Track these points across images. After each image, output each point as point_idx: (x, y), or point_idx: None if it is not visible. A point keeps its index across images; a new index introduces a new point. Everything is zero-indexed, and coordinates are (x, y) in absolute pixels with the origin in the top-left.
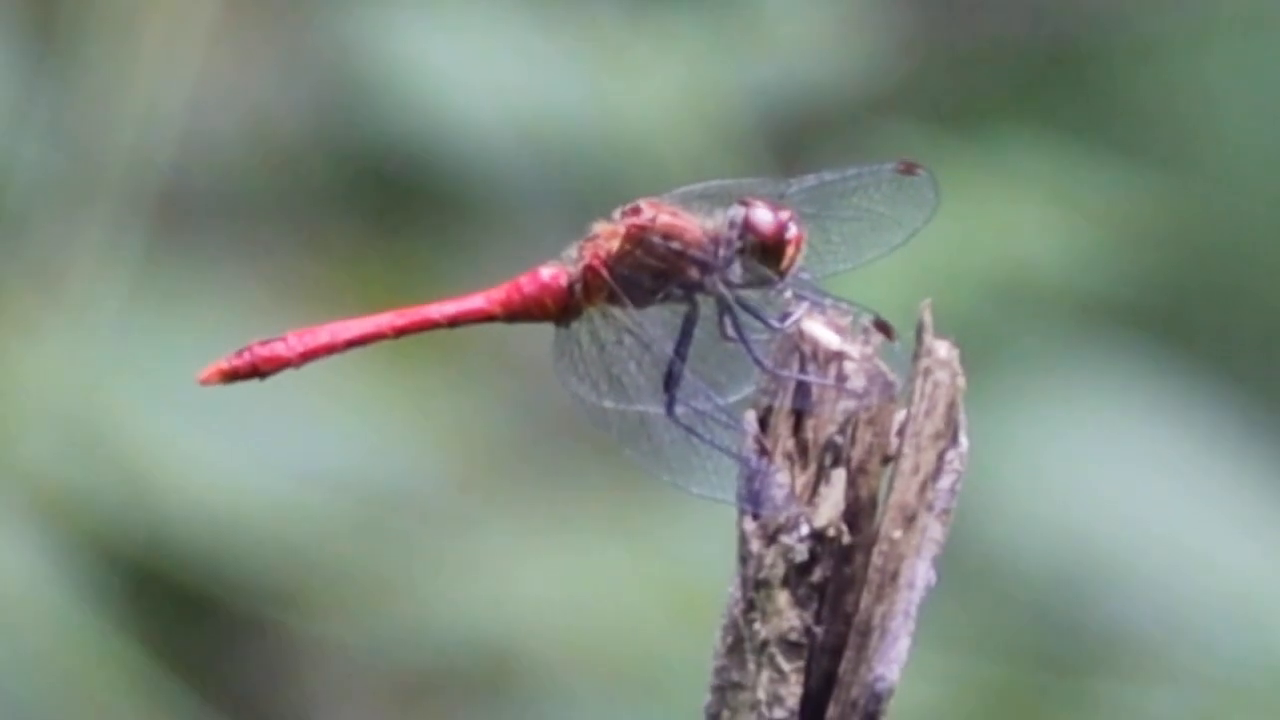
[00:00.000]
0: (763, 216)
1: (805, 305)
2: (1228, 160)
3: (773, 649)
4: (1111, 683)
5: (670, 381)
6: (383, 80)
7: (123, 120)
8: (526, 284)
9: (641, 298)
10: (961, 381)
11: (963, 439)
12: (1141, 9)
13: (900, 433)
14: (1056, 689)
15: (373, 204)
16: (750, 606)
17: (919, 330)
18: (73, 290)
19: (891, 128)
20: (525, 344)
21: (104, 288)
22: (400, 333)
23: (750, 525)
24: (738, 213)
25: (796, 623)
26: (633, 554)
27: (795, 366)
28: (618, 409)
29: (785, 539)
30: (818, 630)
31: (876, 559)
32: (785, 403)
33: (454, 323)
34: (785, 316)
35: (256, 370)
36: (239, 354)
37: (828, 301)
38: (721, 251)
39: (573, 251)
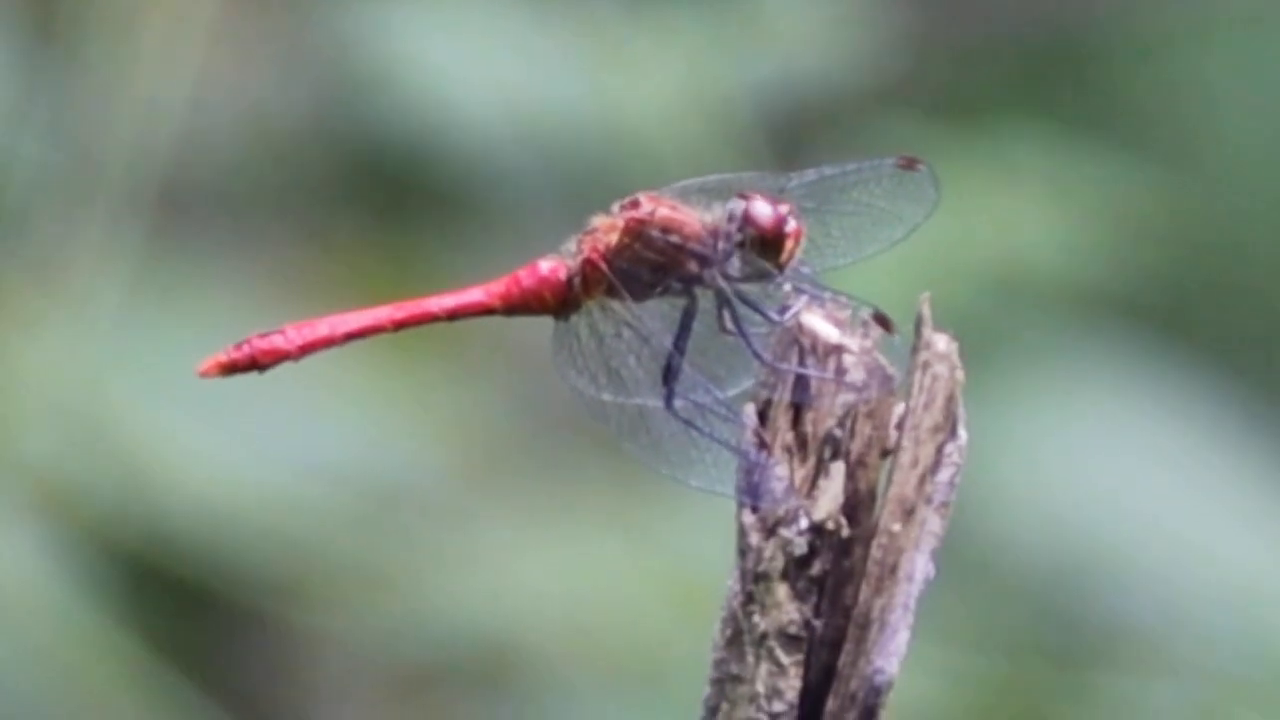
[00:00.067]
0: (762, 210)
1: (804, 299)
2: (1227, 157)
3: (772, 642)
4: (1111, 676)
5: (669, 375)
6: (381, 76)
7: (122, 117)
8: (525, 277)
9: (640, 291)
10: (960, 375)
11: (961, 432)
12: (1142, 6)
13: (899, 426)
14: (1056, 682)
15: (372, 199)
16: (749, 599)
17: (918, 324)
18: (73, 285)
19: (891, 123)
20: (524, 337)
21: (104, 282)
22: (399, 326)
23: (749, 518)
24: (737, 206)
25: (795, 616)
26: (632, 547)
27: (794, 360)
28: (617, 402)
29: (784, 532)
30: (817, 623)
31: (875, 552)
32: (784, 396)
33: (453, 316)
34: (784, 310)
35: (255, 363)
36: (238, 347)
37: (827, 295)
38: (720, 245)
39: (571, 245)
